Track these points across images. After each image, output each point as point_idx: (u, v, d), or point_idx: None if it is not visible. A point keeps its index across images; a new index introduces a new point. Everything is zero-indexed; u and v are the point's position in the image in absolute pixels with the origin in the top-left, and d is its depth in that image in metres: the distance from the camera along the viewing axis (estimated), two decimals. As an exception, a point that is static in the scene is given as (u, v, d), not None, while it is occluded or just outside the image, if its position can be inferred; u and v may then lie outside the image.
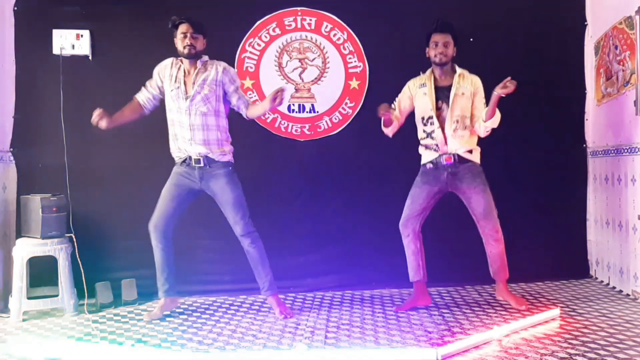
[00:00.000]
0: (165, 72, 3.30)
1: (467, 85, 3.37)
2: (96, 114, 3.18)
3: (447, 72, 3.42)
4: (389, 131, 3.47)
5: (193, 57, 3.24)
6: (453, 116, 3.34)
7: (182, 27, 3.22)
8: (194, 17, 3.28)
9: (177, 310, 3.56)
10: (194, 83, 3.24)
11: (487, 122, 3.28)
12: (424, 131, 3.43)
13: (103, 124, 3.20)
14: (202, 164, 3.25)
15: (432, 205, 3.47)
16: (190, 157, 3.26)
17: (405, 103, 3.49)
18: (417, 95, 3.44)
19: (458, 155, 3.36)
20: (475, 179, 3.37)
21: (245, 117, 3.36)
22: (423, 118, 3.42)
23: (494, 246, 3.42)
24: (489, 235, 3.41)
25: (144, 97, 3.37)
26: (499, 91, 3.15)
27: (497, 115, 3.29)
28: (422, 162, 3.49)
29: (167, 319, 3.37)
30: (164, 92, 3.33)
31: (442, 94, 3.38)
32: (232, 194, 3.26)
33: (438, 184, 3.41)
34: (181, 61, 3.31)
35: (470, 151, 3.40)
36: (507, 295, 3.50)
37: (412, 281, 3.53)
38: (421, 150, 3.50)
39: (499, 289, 3.55)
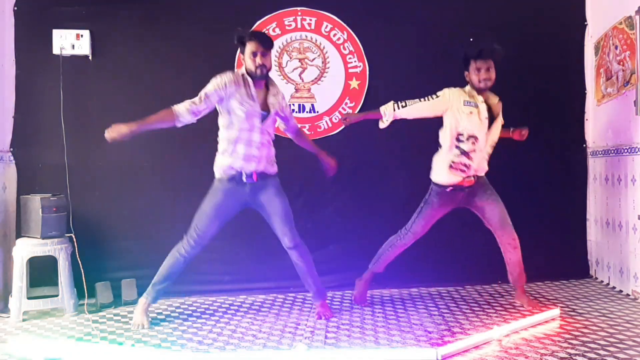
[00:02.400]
0: (231, 89, 3.05)
1: (498, 108, 3.35)
2: (113, 134, 2.88)
3: (485, 94, 3.33)
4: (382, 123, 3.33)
5: (264, 77, 3.13)
6: (490, 140, 3.32)
7: (252, 46, 3.05)
8: (263, 33, 3.18)
9: (177, 310, 3.56)
10: (267, 102, 3.16)
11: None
12: (459, 147, 3.26)
13: (126, 130, 2.90)
14: (254, 180, 3.13)
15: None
16: (241, 173, 3.12)
17: (431, 110, 3.26)
18: (458, 110, 3.23)
19: (476, 176, 3.34)
20: (486, 191, 3.35)
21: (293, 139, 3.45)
22: (461, 134, 3.25)
23: (513, 253, 3.40)
24: (507, 243, 3.38)
25: (189, 108, 3.01)
26: (515, 137, 3.44)
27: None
28: (440, 182, 3.32)
29: (167, 319, 3.37)
30: (222, 107, 3.10)
31: (487, 113, 3.31)
32: (281, 205, 3.19)
33: (452, 204, 3.38)
34: (243, 77, 3.11)
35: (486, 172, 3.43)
36: (525, 299, 3.50)
37: (377, 272, 3.58)
38: (442, 166, 3.31)
39: (518, 294, 3.55)
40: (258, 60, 3.05)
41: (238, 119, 3.07)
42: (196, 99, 3.04)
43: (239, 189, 3.14)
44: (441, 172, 3.31)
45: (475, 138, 3.25)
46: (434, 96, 3.26)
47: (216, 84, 3.06)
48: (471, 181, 3.30)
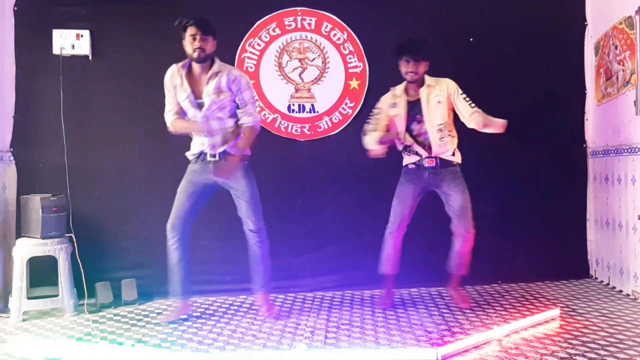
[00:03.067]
0: (176, 81, 3.18)
1: (439, 92, 3.38)
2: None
3: (420, 84, 3.43)
4: (382, 149, 3.44)
5: (203, 60, 3.13)
6: (434, 126, 3.37)
7: (190, 30, 3.09)
8: (201, 15, 3.16)
9: (177, 310, 3.56)
10: (207, 90, 3.15)
11: (483, 129, 3.36)
12: (403, 144, 3.49)
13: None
14: (217, 158, 3.21)
15: (416, 205, 3.51)
16: (204, 152, 3.23)
17: (386, 121, 3.48)
18: (390, 113, 3.45)
19: (440, 158, 3.42)
20: (455, 180, 3.44)
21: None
22: (398, 133, 3.45)
23: (462, 244, 3.46)
24: (459, 233, 3.46)
25: (170, 118, 3.27)
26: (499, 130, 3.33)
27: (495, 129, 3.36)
28: (404, 163, 3.55)
29: (167, 319, 3.37)
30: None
31: (418, 107, 3.40)
32: (247, 188, 3.24)
33: (420, 182, 3.46)
34: (183, 67, 3.20)
35: (453, 153, 3.45)
36: (455, 292, 3.59)
37: (388, 273, 3.58)
38: (404, 154, 3.55)
39: (450, 285, 3.63)
40: (196, 43, 3.08)
41: (185, 107, 3.21)
42: (166, 102, 3.26)
43: (204, 168, 3.24)
44: (404, 156, 3.55)
45: (407, 132, 3.41)
46: (375, 110, 3.51)
47: (165, 81, 3.24)
48: (432, 161, 3.41)
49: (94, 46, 3.91)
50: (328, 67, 4.13)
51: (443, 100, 3.37)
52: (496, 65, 4.10)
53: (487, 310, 3.44)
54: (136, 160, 3.93)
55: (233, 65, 3.94)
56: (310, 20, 4.12)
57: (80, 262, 3.53)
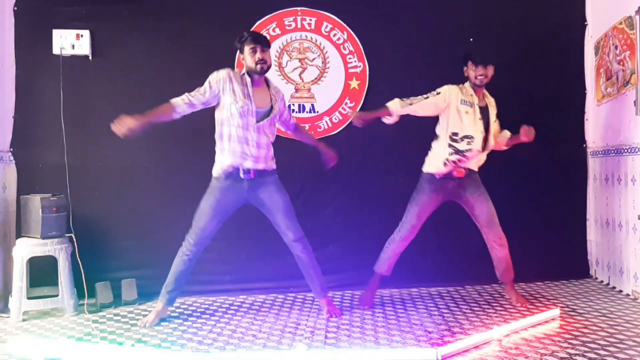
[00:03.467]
0: (226, 86, 3.10)
1: (494, 109, 3.43)
2: (122, 129, 2.95)
3: (482, 92, 3.41)
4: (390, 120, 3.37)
5: (265, 72, 3.15)
6: (489, 139, 3.38)
7: (251, 43, 3.10)
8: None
9: (177, 310, 3.56)
10: (266, 103, 3.18)
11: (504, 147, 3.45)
12: (453, 146, 3.32)
13: (128, 130, 2.97)
14: (252, 176, 3.15)
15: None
16: (238, 170, 3.13)
17: (434, 106, 3.32)
18: (457, 108, 3.30)
19: (468, 169, 3.39)
20: (478, 188, 3.41)
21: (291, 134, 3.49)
22: (456, 134, 3.31)
23: (499, 250, 3.46)
24: (492, 241, 3.45)
25: (185, 101, 3.09)
26: (523, 139, 3.39)
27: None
28: (430, 170, 3.41)
29: (167, 319, 3.36)
30: (218, 103, 3.15)
31: (483, 114, 3.37)
32: (282, 200, 3.21)
33: (443, 193, 3.42)
34: (240, 76, 3.16)
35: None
36: (513, 294, 3.57)
37: (382, 273, 3.56)
38: (435, 163, 3.39)
39: (507, 289, 3.62)
40: (258, 55, 3.10)
41: (232, 116, 3.10)
42: (193, 92, 3.11)
43: (236, 186, 3.16)
44: (434, 165, 3.39)
45: (471, 138, 3.31)
46: (434, 93, 3.33)
47: (212, 79, 3.14)
48: (461, 172, 3.35)
49: (94, 46, 3.91)
50: (328, 67, 4.13)
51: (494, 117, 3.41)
52: (496, 65, 4.10)
53: (487, 310, 3.43)
54: (136, 160, 3.93)
55: (233, 66, 3.95)
56: (310, 20, 4.12)
57: (80, 262, 3.53)
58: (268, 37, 3.24)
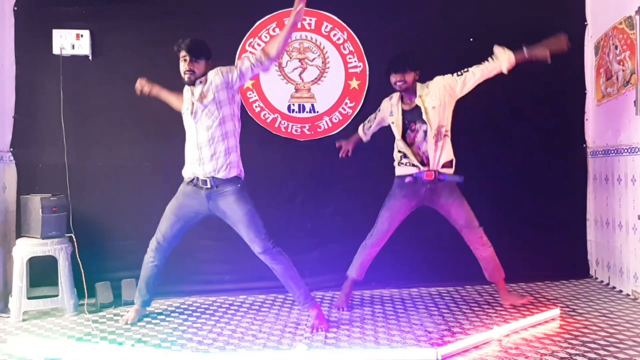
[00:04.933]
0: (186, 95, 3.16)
1: (432, 97, 3.33)
2: (142, 85, 3.39)
3: (412, 92, 3.38)
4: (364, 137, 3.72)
5: (192, 83, 3.05)
6: (432, 130, 3.32)
7: (182, 53, 3.04)
8: (196, 37, 3.08)
9: (177, 310, 3.56)
10: (201, 97, 3.05)
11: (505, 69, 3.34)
12: (399, 151, 3.43)
13: (147, 89, 3.38)
14: (209, 185, 3.05)
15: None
16: (197, 178, 3.08)
17: (382, 122, 3.58)
18: (388, 120, 3.49)
19: (438, 172, 3.35)
20: (452, 193, 3.39)
21: (267, 67, 3.06)
22: (395, 139, 3.45)
23: (483, 250, 3.45)
24: (475, 241, 3.44)
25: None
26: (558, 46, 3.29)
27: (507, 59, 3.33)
28: (400, 174, 3.44)
29: (167, 318, 3.37)
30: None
31: (412, 115, 3.37)
32: (242, 211, 3.05)
33: (415, 198, 3.40)
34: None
35: (450, 162, 3.39)
36: (510, 296, 3.52)
37: (354, 278, 3.55)
38: (399, 165, 3.46)
39: (502, 294, 3.54)
40: (186, 65, 3.03)
41: (185, 123, 3.16)
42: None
43: (198, 193, 3.11)
44: (396, 167, 3.49)
45: (403, 139, 3.39)
46: (378, 110, 3.59)
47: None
48: (430, 174, 3.33)
49: (94, 46, 3.92)
50: (328, 67, 4.13)
51: (436, 104, 3.32)
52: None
53: (487, 310, 3.43)
54: (136, 160, 3.93)
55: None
56: (310, 20, 4.12)
57: (80, 262, 3.53)
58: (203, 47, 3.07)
